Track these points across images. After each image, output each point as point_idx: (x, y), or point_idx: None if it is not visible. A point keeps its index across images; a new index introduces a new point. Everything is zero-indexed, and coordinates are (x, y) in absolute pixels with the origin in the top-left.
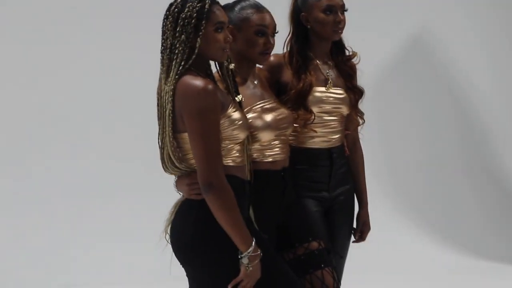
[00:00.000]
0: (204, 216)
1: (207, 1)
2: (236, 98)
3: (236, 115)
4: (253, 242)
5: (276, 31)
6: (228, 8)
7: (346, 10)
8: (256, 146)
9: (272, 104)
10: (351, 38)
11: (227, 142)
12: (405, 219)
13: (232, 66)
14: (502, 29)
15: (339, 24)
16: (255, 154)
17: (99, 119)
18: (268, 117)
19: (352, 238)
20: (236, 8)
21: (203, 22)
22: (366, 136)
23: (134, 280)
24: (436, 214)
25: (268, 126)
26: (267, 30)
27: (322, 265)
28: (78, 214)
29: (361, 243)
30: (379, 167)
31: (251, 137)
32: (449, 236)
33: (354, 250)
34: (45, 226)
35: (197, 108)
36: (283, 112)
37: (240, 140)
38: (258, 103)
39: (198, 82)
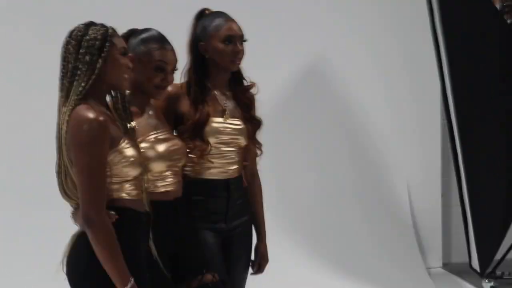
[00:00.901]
0: (91, 253)
1: (109, 27)
2: (128, 125)
3: (129, 151)
4: (130, 282)
5: (176, 68)
6: (132, 34)
7: (245, 41)
8: (148, 176)
9: (166, 135)
10: (247, 67)
11: (117, 178)
12: (301, 249)
13: (126, 92)
14: (399, 59)
15: (238, 55)
16: (147, 184)
17: None
18: (161, 148)
19: (250, 270)
20: (141, 38)
21: (107, 44)
22: (263, 166)
23: None
24: (329, 244)
25: (160, 157)
26: (167, 67)
27: None
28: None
29: (259, 275)
30: (272, 197)
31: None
32: (345, 267)
33: (252, 281)
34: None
35: (82, 141)
36: (177, 143)
37: (131, 178)
38: (151, 133)
39: (88, 113)
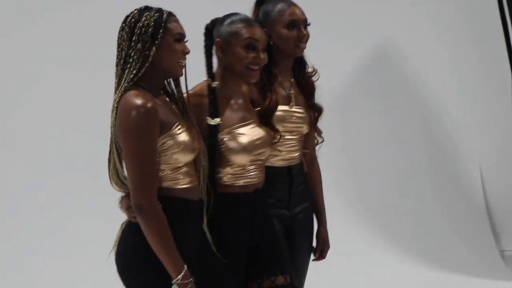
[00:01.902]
0: (143, 240)
1: (164, 12)
2: (212, 121)
3: (181, 137)
4: (184, 269)
5: (266, 48)
6: (217, 22)
7: (309, 25)
8: (228, 169)
9: (252, 127)
10: (313, 52)
11: (166, 165)
12: (371, 234)
13: (215, 84)
14: (469, 41)
15: (303, 39)
16: (225, 178)
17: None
18: (244, 140)
19: (312, 257)
20: (226, 22)
21: (161, 31)
22: (332, 150)
23: None
24: (402, 228)
25: (243, 150)
26: (258, 44)
27: None
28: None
29: (321, 261)
30: (344, 182)
31: (224, 160)
32: (417, 250)
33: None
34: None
35: (129, 127)
36: (262, 135)
37: (182, 164)
38: (238, 125)
39: (136, 99)
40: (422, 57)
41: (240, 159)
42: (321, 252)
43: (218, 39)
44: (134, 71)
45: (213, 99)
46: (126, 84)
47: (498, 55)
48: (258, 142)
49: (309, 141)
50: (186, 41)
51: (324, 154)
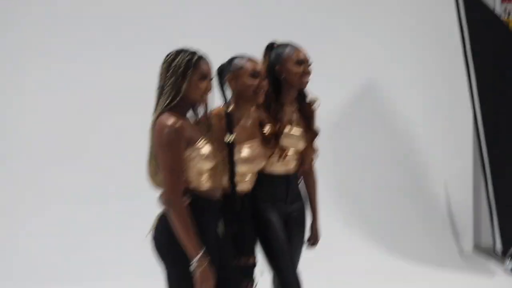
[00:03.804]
0: (171, 229)
1: (196, 55)
2: (227, 139)
3: (204, 149)
4: (201, 251)
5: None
6: (224, 65)
7: (311, 64)
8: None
9: (255, 144)
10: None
11: (193, 171)
12: (356, 230)
13: (230, 108)
14: (438, 77)
15: (308, 75)
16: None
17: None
18: (246, 154)
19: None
20: (234, 62)
21: (190, 70)
22: (329, 166)
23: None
24: (380, 224)
25: (244, 161)
26: (259, 74)
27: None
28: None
29: (316, 249)
30: (335, 190)
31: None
32: (392, 246)
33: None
34: (40, 226)
35: (162, 143)
36: (260, 151)
37: (205, 170)
38: (247, 141)
39: (167, 121)
40: (397, 89)
41: (241, 168)
42: (314, 241)
43: (228, 75)
44: (168, 100)
45: (229, 121)
46: (160, 109)
47: (461, 84)
48: (256, 155)
49: (307, 157)
50: (211, 79)
51: (323, 168)
